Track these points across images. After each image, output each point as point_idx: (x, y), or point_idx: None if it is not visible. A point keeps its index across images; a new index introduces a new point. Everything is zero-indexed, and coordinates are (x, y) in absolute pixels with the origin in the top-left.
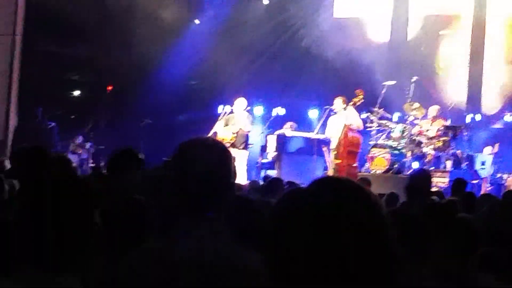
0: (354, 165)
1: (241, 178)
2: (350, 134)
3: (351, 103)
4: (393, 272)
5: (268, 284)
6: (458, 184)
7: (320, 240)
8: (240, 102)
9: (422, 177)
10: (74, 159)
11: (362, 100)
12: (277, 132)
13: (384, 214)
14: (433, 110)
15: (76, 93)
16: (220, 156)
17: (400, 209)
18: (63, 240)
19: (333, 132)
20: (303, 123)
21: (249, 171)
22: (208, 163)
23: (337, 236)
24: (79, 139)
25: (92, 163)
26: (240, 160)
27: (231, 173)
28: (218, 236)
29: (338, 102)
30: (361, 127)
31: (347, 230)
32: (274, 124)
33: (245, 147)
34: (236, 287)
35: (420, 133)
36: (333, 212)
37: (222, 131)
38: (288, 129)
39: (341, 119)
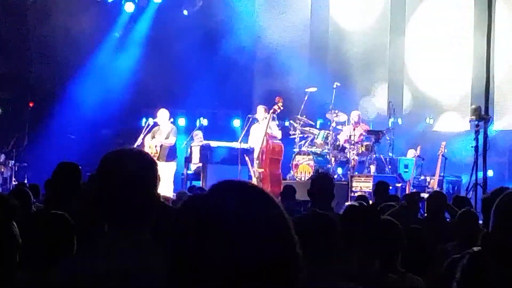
0: (278, 172)
1: (168, 190)
2: (271, 142)
3: (271, 111)
4: (294, 276)
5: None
6: (380, 187)
7: (213, 244)
8: (163, 114)
9: (323, 180)
10: None
11: (282, 108)
12: (193, 143)
13: (279, 213)
14: (354, 115)
15: None
16: (142, 166)
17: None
18: None
19: (256, 141)
20: (227, 133)
21: (174, 183)
22: (130, 173)
23: (227, 239)
24: (2, 157)
25: (15, 180)
26: (166, 172)
27: (155, 183)
28: (142, 247)
29: (260, 111)
30: (279, 136)
31: (238, 233)
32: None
33: (172, 159)
34: None
35: (345, 141)
36: (223, 217)
37: (148, 145)
38: (196, 138)
39: (263, 128)
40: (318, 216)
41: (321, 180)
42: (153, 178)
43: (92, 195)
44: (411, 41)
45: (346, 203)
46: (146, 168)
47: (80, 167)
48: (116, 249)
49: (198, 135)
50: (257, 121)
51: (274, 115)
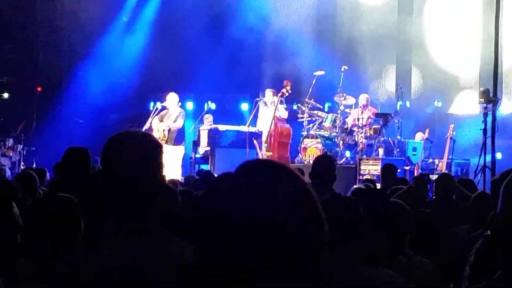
0: (286, 156)
1: (176, 173)
2: (280, 125)
3: (280, 94)
4: (324, 257)
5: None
6: (387, 170)
7: (252, 224)
8: (172, 97)
9: (325, 162)
10: (5, 162)
11: (290, 91)
12: (201, 127)
13: (316, 197)
14: (363, 98)
15: (5, 95)
16: (146, 149)
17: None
18: None
19: (264, 124)
20: (235, 116)
21: (183, 166)
22: (133, 156)
23: (269, 219)
24: (10, 142)
25: (23, 165)
26: (175, 156)
27: (159, 166)
28: (147, 239)
29: (269, 94)
30: (285, 116)
31: (277, 213)
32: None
33: (179, 143)
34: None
35: (353, 125)
36: (264, 194)
37: (156, 128)
38: (206, 121)
39: (271, 111)
40: (342, 200)
41: (322, 162)
42: (157, 162)
43: (96, 183)
44: (420, 22)
45: (354, 186)
46: (150, 151)
47: (89, 153)
48: (120, 243)
49: (208, 118)
50: (266, 104)
51: (282, 99)
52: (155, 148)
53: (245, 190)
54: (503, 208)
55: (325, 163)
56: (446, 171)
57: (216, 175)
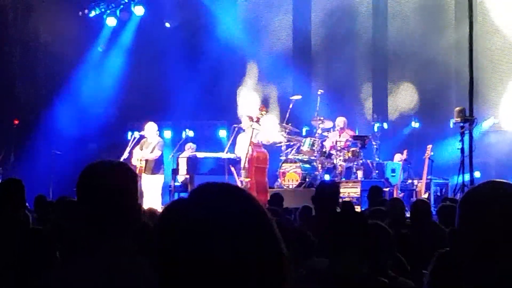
0: (264, 181)
1: (156, 202)
2: (256, 150)
3: (255, 120)
4: (283, 272)
5: None
6: (374, 192)
7: (203, 246)
8: (150, 127)
9: (330, 188)
10: None
11: (264, 116)
12: (181, 155)
13: (264, 212)
14: (340, 121)
15: None
16: (121, 178)
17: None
18: None
19: (242, 150)
20: (213, 144)
21: (162, 195)
22: (109, 185)
23: (220, 239)
24: None
25: None
26: (154, 185)
27: (135, 195)
28: (124, 258)
29: (245, 120)
30: (271, 140)
31: (226, 233)
32: (184, 147)
33: (157, 172)
34: None
35: (331, 148)
36: (209, 217)
37: (136, 158)
38: (188, 151)
39: (249, 137)
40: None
41: (328, 188)
42: (132, 189)
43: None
44: (394, 43)
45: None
46: (124, 179)
47: (22, 183)
48: (96, 262)
49: (191, 148)
50: (243, 130)
51: (259, 124)
52: (129, 177)
53: (195, 207)
54: (460, 223)
55: (330, 190)
56: (425, 191)
57: None
